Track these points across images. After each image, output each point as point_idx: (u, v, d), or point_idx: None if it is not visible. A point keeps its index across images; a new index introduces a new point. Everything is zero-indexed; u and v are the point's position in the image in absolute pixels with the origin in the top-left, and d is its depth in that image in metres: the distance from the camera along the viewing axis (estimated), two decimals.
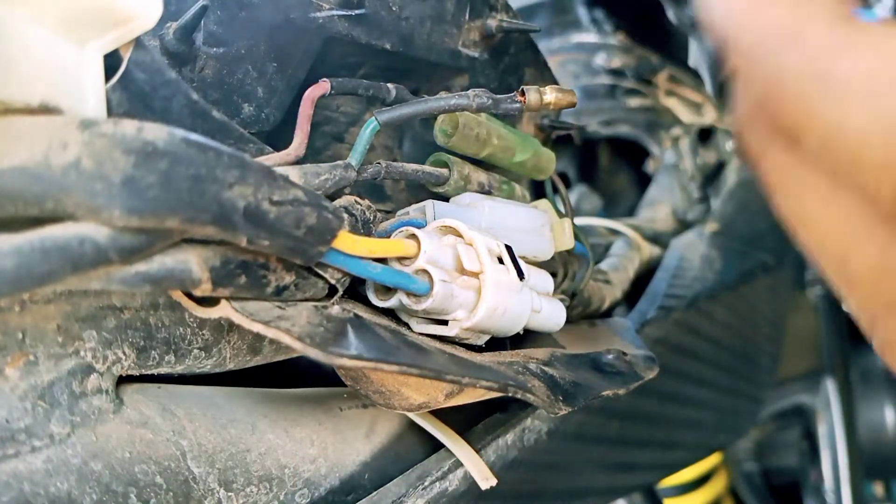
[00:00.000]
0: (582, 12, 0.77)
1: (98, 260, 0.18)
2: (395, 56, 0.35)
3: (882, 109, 0.19)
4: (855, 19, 0.20)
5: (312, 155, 0.36)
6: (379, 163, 0.30)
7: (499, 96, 0.31)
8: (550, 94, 0.32)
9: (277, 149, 0.28)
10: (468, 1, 0.38)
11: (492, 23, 0.39)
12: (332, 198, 0.27)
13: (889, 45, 0.19)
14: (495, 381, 0.27)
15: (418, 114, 0.30)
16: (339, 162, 0.28)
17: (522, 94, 0.32)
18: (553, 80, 0.44)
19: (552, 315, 0.33)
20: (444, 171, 0.33)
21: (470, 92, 0.31)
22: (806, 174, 0.22)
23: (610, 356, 0.37)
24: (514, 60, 0.41)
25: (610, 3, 0.74)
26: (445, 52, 0.37)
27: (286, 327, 0.23)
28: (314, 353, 0.22)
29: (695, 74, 0.74)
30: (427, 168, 0.33)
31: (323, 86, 0.30)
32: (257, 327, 0.22)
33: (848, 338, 0.93)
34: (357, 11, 0.32)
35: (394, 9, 0.34)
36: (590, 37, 0.76)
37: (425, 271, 0.28)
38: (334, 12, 0.32)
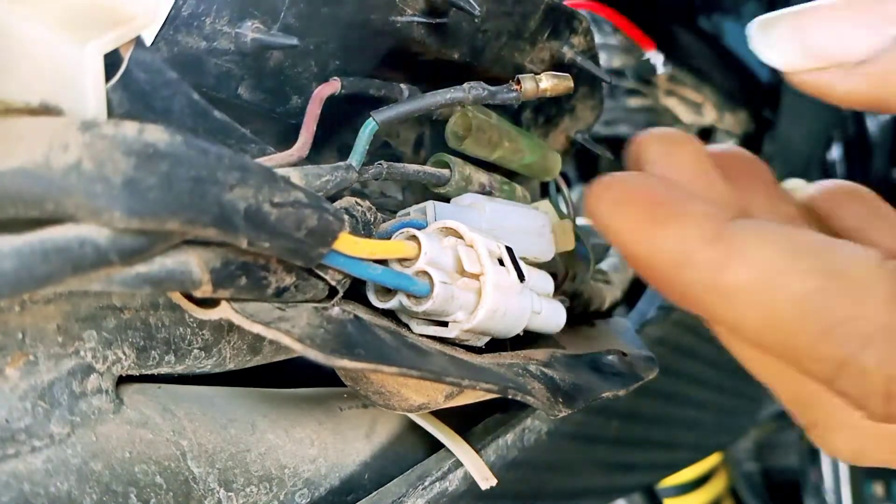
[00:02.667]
0: (582, 13, 0.77)
1: (98, 262, 0.18)
2: (456, 65, 0.34)
3: (762, 310, 0.24)
4: (723, 236, 0.24)
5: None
6: (380, 163, 0.30)
7: (494, 87, 0.31)
8: (546, 81, 0.32)
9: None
10: (552, 21, 0.36)
11: (567, 52, 0.38)
12: (332, 199, 0.27)
13: (757, 255, 0.24)
14: (495, 384, 0.27)
15: (416, 110, 0.30)
16: (340, 163, 0.28)
17: (518, 82, 0.32)
18: (601, 100, 0.43)
19: (552, 316, 0.33)
20: (446, 171, 0.33)
21: (465, 85, 0.31)
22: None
23: (610, 357, 0.37)
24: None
25: (610, 3, 0.74)
26: (510, 67, 0.36)
27: (286, 329, 0.23)
28: (314, 355, 0.22)
29: (695, 74, 0.74)
30: (428, 168, 0.33)
31: (333, 84, 0.29)
32: (257, 328, 0.22)
33: None
34: (439, 20, 0.32)
35: (476, 21, 0.33)
36: None
37: (426, 273, 0.28)
38: (416, 19, 0.31)
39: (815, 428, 0.28)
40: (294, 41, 0.28)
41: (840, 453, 0.28)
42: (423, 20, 0.31)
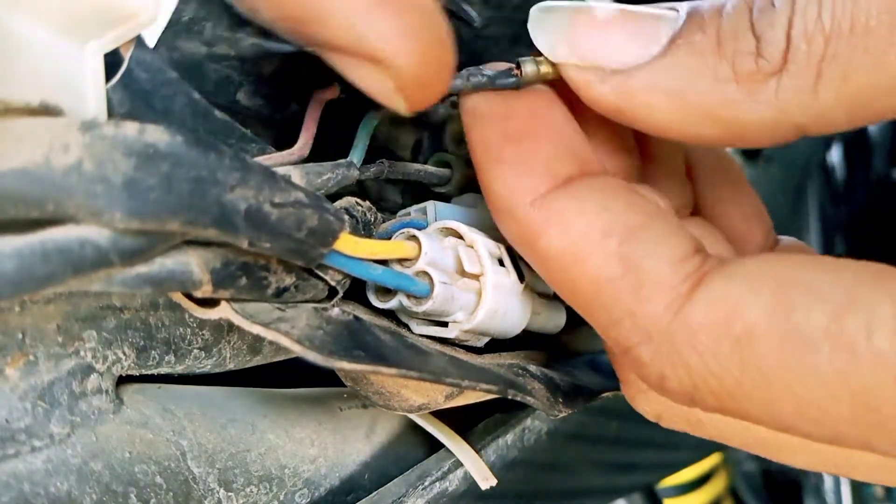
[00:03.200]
0: None
1: (99, 262, 0.18)
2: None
3: (571, 282, 0.25)
4: (547, 201, 0.25)
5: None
6: (381, 162, 0.30)
7: (494, 73, 0.31)
8: (548, 65, 0.32)
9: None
10: None
11: None
12: (333, 198, 0.27)
13: (571, 227, 0.24)
14: (495, 384, 0.27)
15: None
16: (341, 161, 0.28)
17: (518, 66, 0.31)
18: None
19: (552, 317, 0.33)
20: (447, 171, 0.33)
21: (464, 71, 0.30)
22: None
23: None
24: None
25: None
26: None
27: (286, 329, 0.23)
28: (313, 357, 0.22)
29: None
30: (429, 168, 0.33)
31: (332, 90, 0.30)
32: (257, 329, 0.22)
33: None
34: None
35: (476, 26, 0.33)
36: None
37: (426, 273, 0.28)
38: None
39: (625, 385, 0.29)
40: (292, 46, 0.28)
41: (645, 413, 0.29)
42: None
